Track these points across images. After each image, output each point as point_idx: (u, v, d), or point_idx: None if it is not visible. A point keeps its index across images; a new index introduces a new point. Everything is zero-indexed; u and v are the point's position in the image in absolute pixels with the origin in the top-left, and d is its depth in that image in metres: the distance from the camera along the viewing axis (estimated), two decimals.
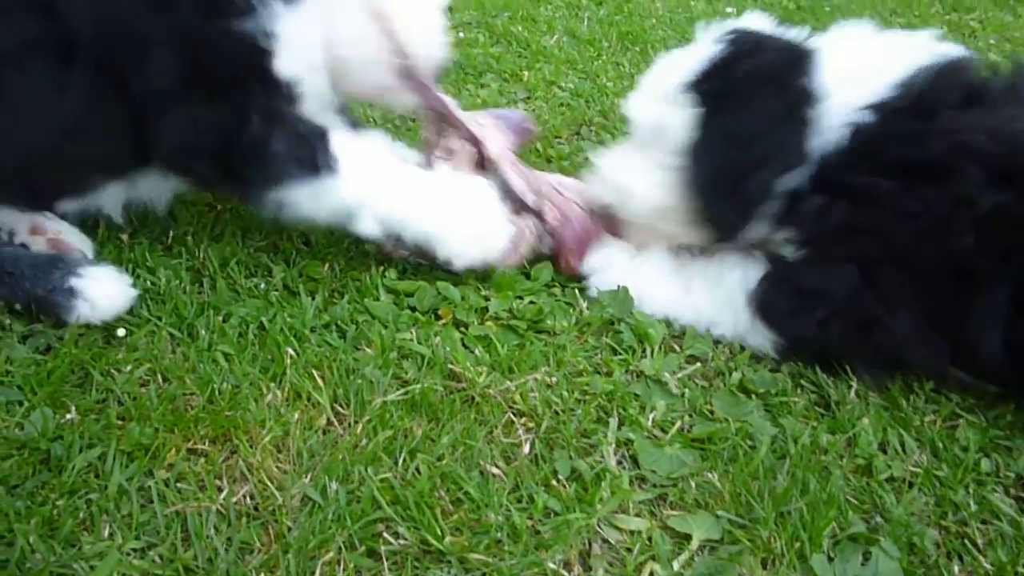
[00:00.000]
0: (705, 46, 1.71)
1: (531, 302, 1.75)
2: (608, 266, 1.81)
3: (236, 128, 1.60)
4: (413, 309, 1.73)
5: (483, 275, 1.80)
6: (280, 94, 1.64)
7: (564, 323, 1.71)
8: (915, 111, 1.57)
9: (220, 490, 1.31)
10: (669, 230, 1.77)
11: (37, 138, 1.61)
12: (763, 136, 1.62)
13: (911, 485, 1.42)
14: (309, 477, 1.34)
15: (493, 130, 1.87)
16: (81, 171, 1.71)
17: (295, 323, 1.64)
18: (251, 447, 1.38)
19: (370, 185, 1.68)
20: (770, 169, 1.62)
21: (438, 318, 1.71)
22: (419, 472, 1.35)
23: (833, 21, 3.69)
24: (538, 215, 1.82)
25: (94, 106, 1.59)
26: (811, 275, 1.63)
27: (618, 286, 1.78)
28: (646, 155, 1.76)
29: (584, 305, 1.76)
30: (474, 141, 1.84)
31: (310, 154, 1.63)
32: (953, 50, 1.66)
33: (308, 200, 1.66)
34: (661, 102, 1.71)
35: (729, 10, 3.72)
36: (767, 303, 1.67)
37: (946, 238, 1.50)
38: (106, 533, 1.23)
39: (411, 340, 1.63)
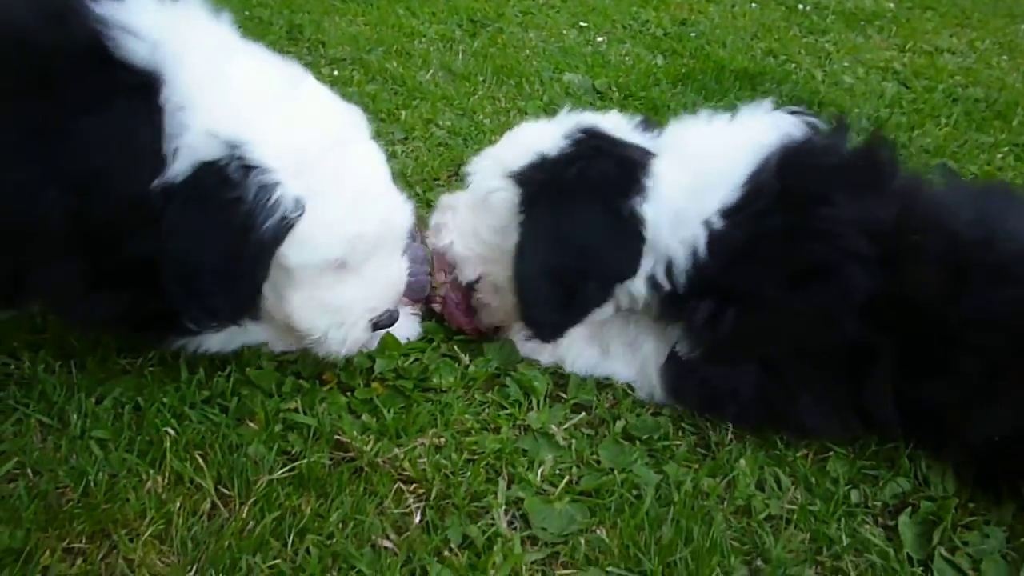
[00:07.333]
0: (557, 134, 1.69)
1: (416, 360, 1.75)
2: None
3: None
4: (297, 376, 1.70)
5: None
6: None
7: (450, 379, 1.72)
8: (772, 210, 1.57)
9: None
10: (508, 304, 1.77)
11: None
12: (590, 247, 1.62)
13: (788, 522, 1.48)
14: (194, 569, 1.30)
15: None
16: None
17: (173, 400, 1.59)
18: (131, 541, 1.33)
19: None
20: (597, 282, 1.64)
21: (323, 383, 1.69)
22: (309, 553, 1.33)
23: (698, 48, 3.77)
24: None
25: None
26: (716, 374, 1.65)
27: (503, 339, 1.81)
28: (478, 218, 1.77)
29: (467, 359, 1.77)
30: None
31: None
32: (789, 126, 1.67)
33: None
34: (497, 176, 1.71)
35: (600, 39, 3.81)
36: (680, 391, 1.70)
37: (832, 327, 1.56)
38: None
39: (296, 410, 1.60)
